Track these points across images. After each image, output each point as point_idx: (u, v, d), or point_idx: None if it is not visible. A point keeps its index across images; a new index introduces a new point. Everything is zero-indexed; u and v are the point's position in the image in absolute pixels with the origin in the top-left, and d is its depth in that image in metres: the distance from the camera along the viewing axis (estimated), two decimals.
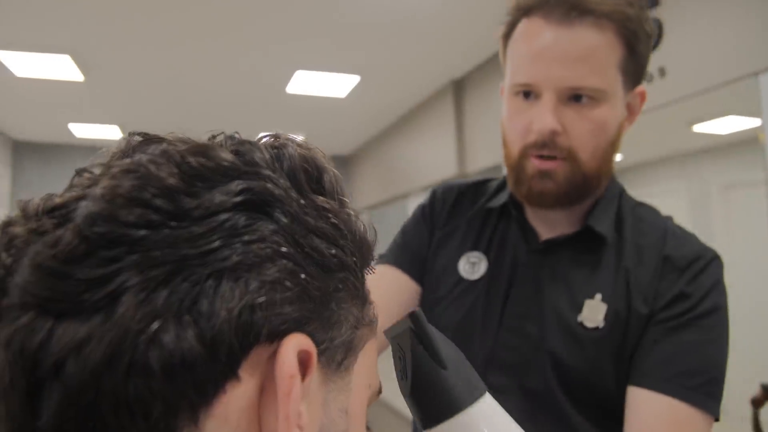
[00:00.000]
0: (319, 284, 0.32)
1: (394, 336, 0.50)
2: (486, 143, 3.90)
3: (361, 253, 0.36)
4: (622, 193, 0.90)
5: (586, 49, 0.76)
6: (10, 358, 0.27)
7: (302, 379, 0.30)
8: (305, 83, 4.27)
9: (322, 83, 4.27)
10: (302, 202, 0.32)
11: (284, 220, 0.31)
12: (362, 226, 0.36)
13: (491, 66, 3.79)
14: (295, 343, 0.30)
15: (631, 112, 0.86)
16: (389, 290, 0.93)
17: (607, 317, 0.80)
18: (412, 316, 0.47)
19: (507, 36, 0.85)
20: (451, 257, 0.93)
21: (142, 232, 0.28)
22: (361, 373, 0.36)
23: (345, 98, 4.65)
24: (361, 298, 0.36)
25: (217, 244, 0.29)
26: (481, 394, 0.47)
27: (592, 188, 0.84)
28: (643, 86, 0.85)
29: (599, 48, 0.76)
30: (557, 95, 0.78)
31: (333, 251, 0.33)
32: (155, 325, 0.27)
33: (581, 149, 0.79)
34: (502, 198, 0.94)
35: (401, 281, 0.94)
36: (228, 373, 0.29)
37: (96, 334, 0.26)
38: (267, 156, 0.33)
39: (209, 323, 0.28)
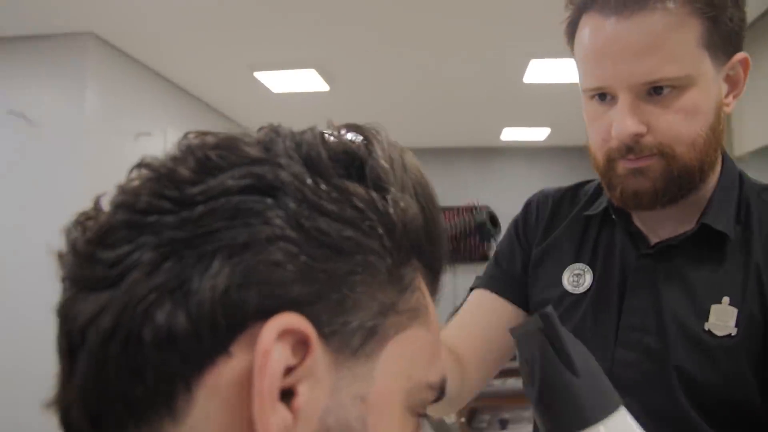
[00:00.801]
0: (326, 267, 0.32)
1: (520, 336, 0.48)
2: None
3: (400, 236, 0.34)
4: (742, 178, 0.80)
5: (654, 37, 0.68)
6: (60, 325, 0.32)
7: (302, 359, 0.31)
8: (541, 72, 4.06)
9: (559, 70, 4.01)
10: (321, 186, 0.33)
11: (290, 203, 0.32)
12: (415, 215, 0.35)
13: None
14: (282, 322, 0.30)
15: (734, 84, 0.75)
16: (481, 315, 0.89)
17: (739, 322, 0.71)
18: (543, 315, 0.45)
19: (570, 35, 0.77)
20: (553, 272, 0.86)
21: (153, 218, 0.31)
22: (394, 362, 0.35)
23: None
24: (397, 284, 0.35)
25: (217, 225, 0.31)
26: (616, 408, 0.45)
27: (695, 182, 0.74)
28: (743, 53, 0.74)
29: (668, 32, 0.68)
30: (633, 93, 0.70)
31: (348, 234, 0.32)
32: (151, 299, 0.30)
33: (676, 142, 0.71)
34: (602, 203, 0.85)
35: (496, 305, 0.89)
36: (217, 347, 0.30)
37: (107, 306, 0.30)
38: (288, 144, 0.34)
39: (194, 300, 0.30)
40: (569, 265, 0.85)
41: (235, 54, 3.75)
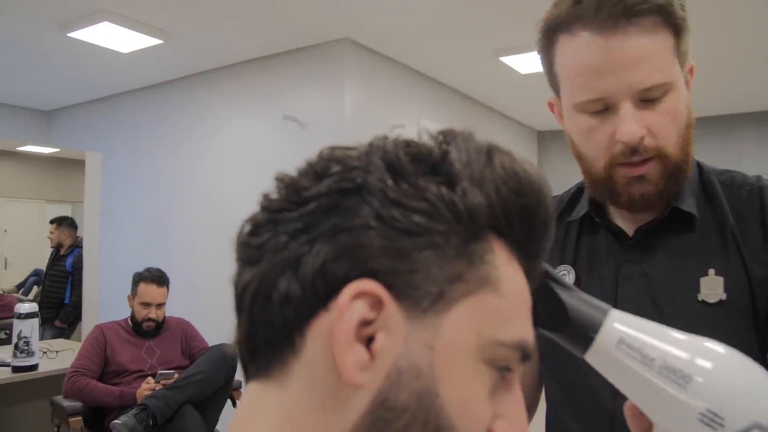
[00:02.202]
0: (398, 245, 0.40)
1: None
2: None
3: (466, 221, 0.42)
4: (700, 165, 0.90)
5: (646, 49, 0.76)
6: (233, 291, 0.45)
7: (378, 314, 0.40)
8: None
9: None
10: (399, 185, 0.41)
11: (373, 200, 0.41)
12: (473, 200, 0.42)
13: None
14: (357, 286, 0.39)
15: (687, 87, 0.84)
16: None
17: (727, 289, 0.80)
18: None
19: (547, 52, 0.86)
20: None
21: (282, 215, 0.43)
22: (462, 320, 0.42)
23: None
24: (465, 258, 0.42)
25: (321, 217, 0.41)
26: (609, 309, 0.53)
27: (684, 176, 0.84)
28: (691, 62, 0.84)
29: (652, 43, 0.76)
30: (633, 101, 0.78)
31: (418, 220, 0.41)
32: (277, 271, 0.41)
33: (667, 143, 0.80)
34: (582, 210, 0.95)
35: None
36: (318, 304, 0.41)
37: (254, 277, 0.42)
38: (378, 152, 0.43)
39: (303, 271, 0.40)
40: (554, 267, 0.90)
41: (480, 39, 3.74)
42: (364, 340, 0.40)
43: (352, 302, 0.40)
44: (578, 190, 0.99)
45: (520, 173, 0.44)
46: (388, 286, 0.40)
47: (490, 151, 0.44)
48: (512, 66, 4.20)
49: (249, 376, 0.45)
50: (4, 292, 4.63)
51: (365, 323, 0.40)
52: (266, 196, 0.45)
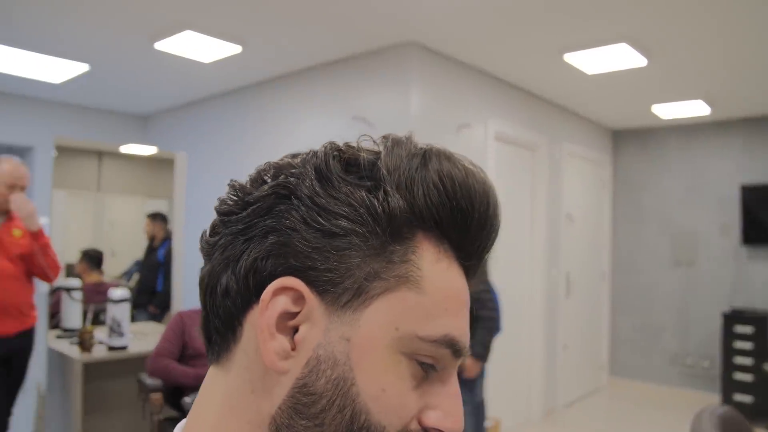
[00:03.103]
0: (319, 246, 0.44)
1: None
2: None
3: (384, 223, 0.44)
4: None
5: None
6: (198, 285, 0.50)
7: (301, 308, 0.44)
8: None
9: None
10: (326, 190, 0.45)
11: (301, 205, 0.45)
12: (393, 204, 0.44)
13: None
14: (279, 282, 0.44)
15: None
16: None
17: None
18: None
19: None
20: None
21: (228, 218, 0.48)
22: (380, 315, 0.44)
23: None
24: (384, 257, 0.45)
25: (256, 220, 0.46)
26: None
27: None
28: None
29: None
30: None
31: (339, 223, 0.44)
32: (220, 267, 0.47)
33: None
34: None
35: None
36: (251, 298, 0.45)
37: (206, 272, 0.48)
38: (312, 160, 0.47)
39: (238, 267, 0.46)
40: None
41: (545, 37, 3.69)
42: (289, 331, 0.45)
43: (275, 296, 0.44)
44: None
45: (456, 177, 0.45)
46: (310, 283, 0.44)
47: (426, 156, 0.46)
48: (578, 66, 4.13)
49: (209, 362, 0.50)
50: (111, 279, 5.01)
51: (290, 316, 0.44)
52: (221, 201, 0.50)
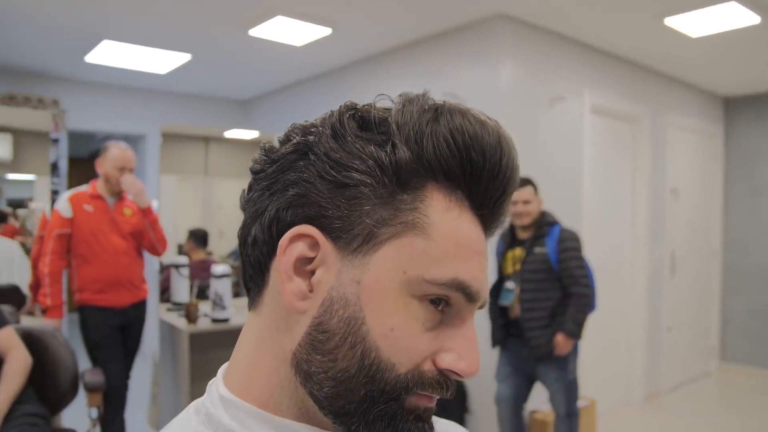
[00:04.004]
0: (331, 196, 0.47)
1: None
2: None
3: (391, 174, 0.47)
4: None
5: None
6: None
7: (315, 253, 0.48)
8: None
9: None
10: (339, 145, 0.48)
11: (317, 160, 0.49)
12: (400, 156, 0.47)
13: None
14: (296, 230, 0.48)
15: None
16: None
17: None
18: None
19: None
20: None
21: (258, 176, 0.52)
22: (388, 259, 0.47)
23: None
24: (392, 206, 0.48)
25: (279, 176, 0.50)
26: None
27: None
28: None
29: None
30: None
31: (350, 175, 0.47)
32: (251, 220, 0.52)
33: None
34: None
35: None
36: (275, 245, 0.49)
37: (241, 226, 0.53)
38: (328, 118, 0.51)
39: (263, 219, 0.50)
40: None
41: (643, 1, 3.48)
42: (307, 275, 0.49)
43: (293, 243, 0.48)
44: None
45: (467, 129, 0.47)
46: (324, 230, 0.48)
47: (438, 111, 0.48)
48: (681, 30, 3.85)
49: (248, 309, 0.55)
50: (220, 259, 5.28)
51: (308, 260, 0.49)
52: (254, 161, 0.54)
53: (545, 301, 3.03)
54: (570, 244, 3.01)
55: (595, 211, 4.36)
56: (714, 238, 5.87)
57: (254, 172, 0.53)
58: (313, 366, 0.48)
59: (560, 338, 2.94)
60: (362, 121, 0.50)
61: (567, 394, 3.07)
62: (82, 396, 2.50)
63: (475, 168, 0.48)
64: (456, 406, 3.65)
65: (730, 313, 5.90)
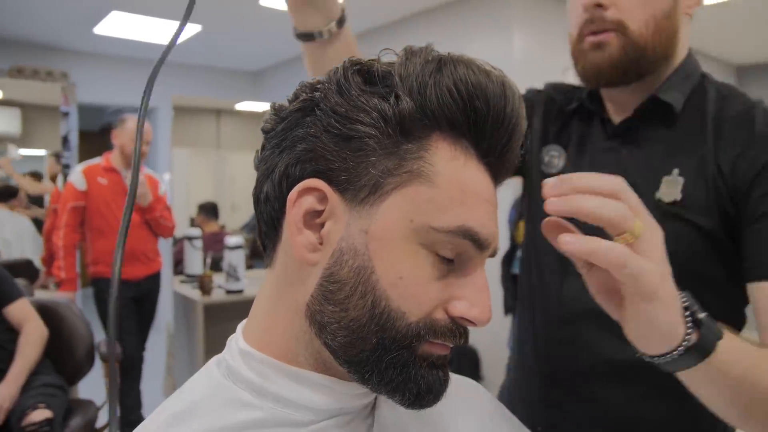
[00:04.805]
0: (337, 149, 0.48)
1: None
2: None
3: (395, 125, 0.47)
4: (705, 75, 0.87)
5: None
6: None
7: (323, 206, 0.48)
8: None
9: None
10: (343, 100, 0.48)
11: (322, 116, 0.48)
12: (403, 107, 0.47)
13: None
14: (304, 183, 0.48)
15: None
16: None
17: (684, 190, 0.79)
18: None
19: None
20: (533, 153, 0.96)
21: (269, 134, 0.52)
22: (395, 208, 0.47)
23: None
24: (396, 156, 0.47)
25: (287, 132, 0.50)
26: None
27: (650, 62, 0.81)
28: None
29: None
30: None
31: (354, 127, 0.47)
32: (263, 177, 0.52)
33: (631, 20, 0.79)
34: (578, 98, 0.94)
35: None
36: (285, 200, 0.49)
37: (255, 185, 0.53)
38: (333, 74, 0.50)
39: (275, 175, 0.50)
40: (545, 145, 0.95)
41: None
42: (317, 227, 0.49)
43: (301, 197, 0.48)
44: (575, 87, 1.00)
45: (470, 79, 0.47)
46: (332, 183, 0.48)
47: (441, 62, 0.48)
48: None
49: (264, 266, 0.56)
50: (232, 231, 5.26)
51: (317, 213, 0.49)
52: (264, 121, 0.53)
53: None
54: None
55: None
56: None
57: (265, 132, 0.53)
58: (325, 317, 0.48)
59: None
60: (367, 75, 0.49)
61: None
62: (98, 367, 2.49)
63: (479, 116, 0.48)
64: (469, 373, 3.64)
65: None
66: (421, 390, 0.48)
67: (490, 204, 0.50)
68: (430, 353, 0.49)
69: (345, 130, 0.48)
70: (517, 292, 3.09)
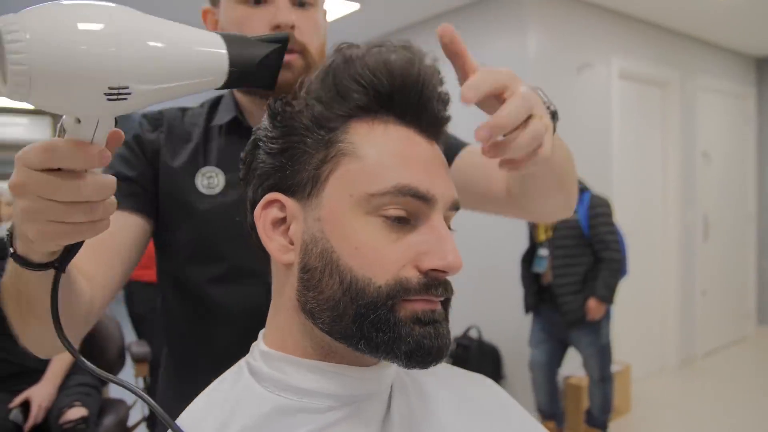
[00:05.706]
0: (278, 163, 0.56)
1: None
2: None
3: (311, 126, 0.55)
4: None
5: None
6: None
7: (284, 213, 0.56)
8: None
9: None
10: (276, 124, 0.58)
11: (261, 144, 0.60)
12: (311, 111, 0.55)
13: None
14: (264, 198, 0.56)
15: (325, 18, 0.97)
16: (120, 236, 0.84)
17: None
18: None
19: None
20: (184, 178, 0.92)
21: (243, 179, 0.62)
22: (334, 190, 0.53)
23: None
24: (324, 147, 0.54)
25: (248, 169, 0.62)
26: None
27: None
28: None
29: None
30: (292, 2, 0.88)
31: (283, 141, 0.57)
32: (248, 213, 0.60)
33: (310, 43, 0.89)
34: (229, 114, 0.96)
35: (130, 222, 0.87)
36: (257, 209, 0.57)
37: (244, 215, 0.62)
38: (266, 112, 0.60)
39: (249, 203, 0.60)
40: (200, 168, 0.92)
41: None
42: (285, 232, 0.57)
43: (264, 209, 0.57)
44: (217, 99, 1.01)
45: (369, 63, 0.53)
46: (285, 191, 0.56)
47: (350, 59, 0.54)
48: None
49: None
50: None
51: (281, 220, 0.57)
52: (260, 126, 0.63)
53: (577, 267, 2.98)
54: (600, 210, 2.96)
55: (626, 176, 4.25)
56: (749, 201, 5.69)
57: (241, 179, 0.63)
58: (309, 304, 0.54)
59: (593, 303, 2.90)
60: (285, 100, 0.57)
61: (600, 358, 3.03)
62: (129, 367, 2.56)
63: (383, 89, 0.54)
64: (490, 372, 3.64)
65: (766, 276, 5.73)
66: (410, 348, 0.51)
67: (423, 159, 0.55)
68: (414, 310, 0.52)
69: (279, 146, 0.56)
70: (538, 291, 3.09)
